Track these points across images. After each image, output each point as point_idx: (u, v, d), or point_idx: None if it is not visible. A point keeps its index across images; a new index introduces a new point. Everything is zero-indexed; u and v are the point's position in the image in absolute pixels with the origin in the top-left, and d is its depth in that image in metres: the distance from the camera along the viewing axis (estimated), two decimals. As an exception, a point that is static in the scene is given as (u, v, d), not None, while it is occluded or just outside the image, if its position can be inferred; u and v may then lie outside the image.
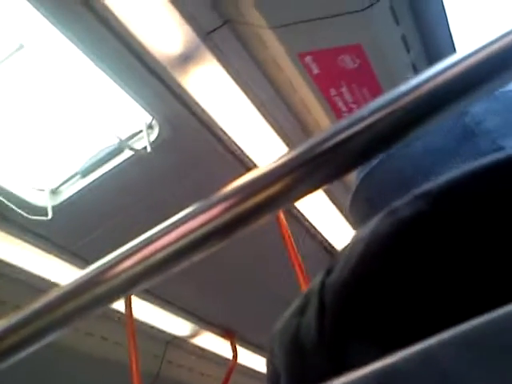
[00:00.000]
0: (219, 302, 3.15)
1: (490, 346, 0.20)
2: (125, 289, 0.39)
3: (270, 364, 0.40)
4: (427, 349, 0.22)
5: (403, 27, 1.66)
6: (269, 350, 0.40)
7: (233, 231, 0.35)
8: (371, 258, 0.33)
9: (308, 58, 1.73)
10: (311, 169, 0.32)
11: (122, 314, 2.73)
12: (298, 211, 2.65)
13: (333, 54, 1.71)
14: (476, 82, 0.30)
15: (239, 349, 3.45)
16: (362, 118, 0.30)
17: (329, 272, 0.37)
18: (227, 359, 3.50)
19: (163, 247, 0.36)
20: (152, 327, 3.15)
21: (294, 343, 0.36)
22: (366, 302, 0.32)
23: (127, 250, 0.38)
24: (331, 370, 0.25)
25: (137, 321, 2.77)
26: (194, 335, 3.40)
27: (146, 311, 3.01)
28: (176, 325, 3.25)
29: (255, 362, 3.68)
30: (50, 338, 0.41)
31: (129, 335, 2.61)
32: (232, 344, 3.44)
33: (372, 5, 1.49)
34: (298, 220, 2.70)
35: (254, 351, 3.64)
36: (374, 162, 0.50)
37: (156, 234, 0.37)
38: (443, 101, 0.30)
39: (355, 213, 0.53)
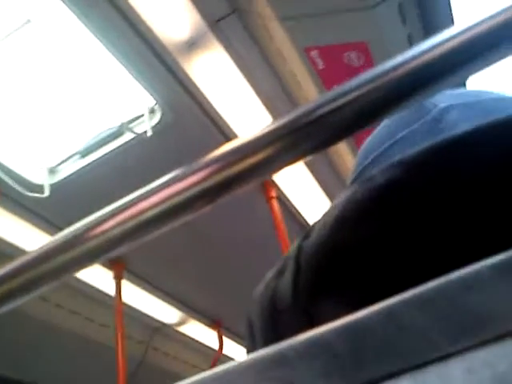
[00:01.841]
0: (208, 292, 3.17)
1: (446, 305, 0.22)
2: (105, 250, 0.39)
3: (248, 327, 0.42)
4: (390, 306, 0.23)
5: (410, 27, 1.66)
6: (247, 313, 0.41)
7: (213, 197, 0.35)
8: (346, 221, 0.36)
9: (314, 53, 1.73)
10: (294, 140, 0.33)
11: (110, 297, 2.74)
12: (289, 200, 2.67)
13: (339, 50, 1.71)
14: (464, 59, 0.30)
15: (225, 340, 3.47)
16: (348, 91, 0.31)
17: (306, 236, 0.39)
18: (213, 349, 3.51)
19: (143, 210, 0.37)
20: (140, 312, 3.16)
21: (270, 304, 0.38)
22: (340, 263, 0.35)
23: (108, 212, 0.38)
24: (304, 329, 0.26)
25: (125, 305, 2.78)
26: (180, 323, 3.42)
27: (135, 296, 3.02)
28: (164, 312, 3.26)
29: (241, 353, 3.69)
30: (30, 296, 0.42)
31: (117, 319, 2.63)
32: (218, 334, 3.45)
33: (381, 2, 1.49)
34: (289, 210, 2.71)
35: (240, 343, 3.65)
36: (367, 160, 0.53)
37: (137, 197, 0.37)
38: (429, 77, 0.31)
39: None
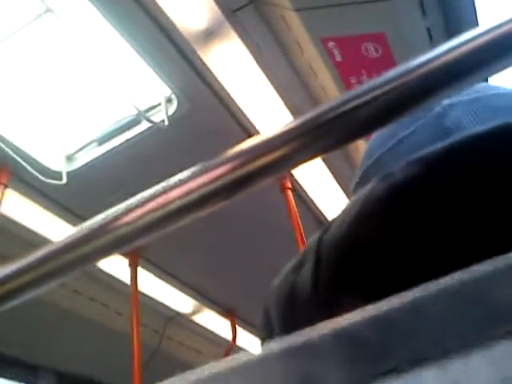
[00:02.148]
0: (222, 282, 3.18)
1: (470, 297, 0.22)
2: (125, 241, 0.40)
3: (264, 317, 0.42)
4: (415, 297, 0.23)
5: (429, 19, 1.65)
6: (264, 304, 0.42)
7: (233, 192, 0.36)
8: (367, 216, 0.36)
9: (331, 44, 1.72)
10: (312, 137, 0.33)
11: (126, 284, 2.76)
12: (304, 191, 2.67)
13: (356, 42, 1.70)
14: (484, 61, 0.30)
15: (239, 330, 3.48)
16: (369, 90, 0.31)
17: (326, 230, 0.39)
18: (226, 339, 3.53)
19: (165, 203, 0.38)
20: (154, 301, 3.19)
21: (290, 295, 0.39)
22: (360, 256, 0.35)
23: (130, 204, 0.39)
24: (323, 320, 0.27)
25: (140, 293, 2.80)
26: (195, 313, 3.44)
27: (150, 285, 3.04)
28: (178, 301, 3.28)
29: (254, 343, 3.71)
30: (52, 284, 0.43)
31: (133, 307, 2.65)
32: (232, 324, 3.46)
33: (400, -7, 1.48)
34: (304, 200, 2.71)
35: (254, 333, 3.66)
36: (372, 159, 0.53)
37: (158, 190, 0.38)
38: (450, 77, 0.31)
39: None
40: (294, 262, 0.41)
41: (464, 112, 0.47)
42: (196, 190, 0.36)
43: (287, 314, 0.39)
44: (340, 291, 0.35)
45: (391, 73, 0.32)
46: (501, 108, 0.47)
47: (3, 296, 0.41)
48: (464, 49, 0.31)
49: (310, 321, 0.31)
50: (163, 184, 0.39)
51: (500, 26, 0.30)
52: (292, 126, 0.35)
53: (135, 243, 0.40)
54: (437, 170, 0.35)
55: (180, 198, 0.37)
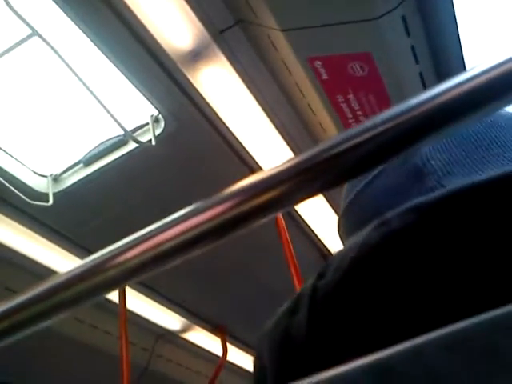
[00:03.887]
0: (212, 298, 3.16)
1: (474, 347, 0.22)
2: (123, 279, 0.40)
3: (257, 361, 0.42)
4: (416, 347, 0.23)
5: (413, 38, 1.67)
6: (257, 348, 0.41)
7: (231, 230, 0.36)
8: (362, 265, 0.36)
9: (317, 63, 1.73)
10: (312, 175, 0.33)
11: (114, 303, 2.73)
12: (296, 212, 2.67)
13: (342, 61, 1.71)
14: (481, 101, 0.31)
15: (229, 346, 3.46)
16: (365, 130, 0.32)
17: (320, 276, 0.39)
18: (217, 356, 3.51)
19: (162, 242, 0.38)
20: (144, 319, 3.15)
21: (284, 341, 0.38)
22: (357, 305, 0.35)
23: (127, 243, 0.39)
24: (319, 368, 0.26)
25: (129, 312, 2.77)
26: (185, 330, 3.41)
27: (138, 303, 3.01)
28: (168, 318, 3.25)
29: (244, 359, 3.69)
30: (45, 324, 0.42)
31: (121, 326, 2.62)
32: (222, 341, 3.44)
33: (385, 14, 1.50)
34: (295, 220, 2.71)
35: (244, 349, 3.64)
36: (351, 196, 0.55)
37: (157, 228, 0.38)
38: (445, 118, 0.31)
39: (342, 233, 0.59)
40: (288, 305, 0.41)
41: (431, 148, 0.48)
42: (193, 228, 0.36)
43: (281, 361, 0.38)
44: (336, 341, 0.35)
45: (385, 114, 0.33)
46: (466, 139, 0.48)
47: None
48: (459, 90, 0.31)
49: (305, 368, 0.31)
50: (162, 221, 0.39)
51: (491, 69, 0.31)
52: (290, 164, 0.35)
53: (132, 281, 0.40)
54: (434, 219, 0.35)
55: (178, 236, 0.38)
